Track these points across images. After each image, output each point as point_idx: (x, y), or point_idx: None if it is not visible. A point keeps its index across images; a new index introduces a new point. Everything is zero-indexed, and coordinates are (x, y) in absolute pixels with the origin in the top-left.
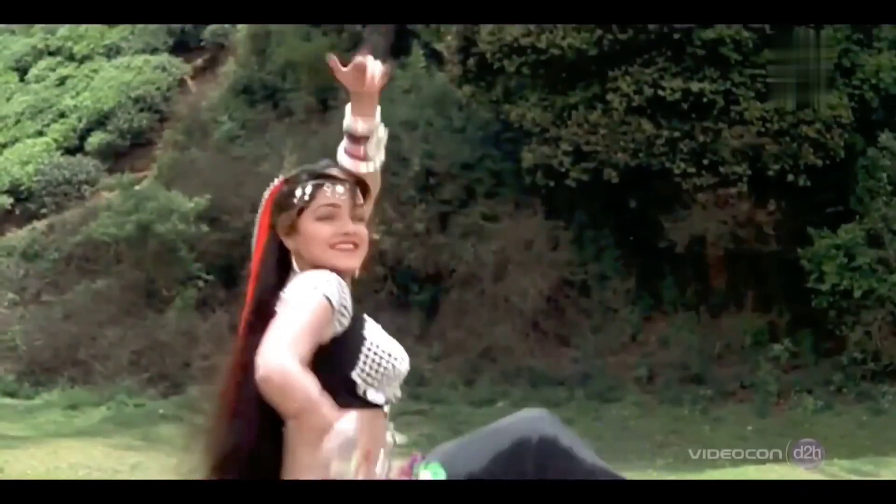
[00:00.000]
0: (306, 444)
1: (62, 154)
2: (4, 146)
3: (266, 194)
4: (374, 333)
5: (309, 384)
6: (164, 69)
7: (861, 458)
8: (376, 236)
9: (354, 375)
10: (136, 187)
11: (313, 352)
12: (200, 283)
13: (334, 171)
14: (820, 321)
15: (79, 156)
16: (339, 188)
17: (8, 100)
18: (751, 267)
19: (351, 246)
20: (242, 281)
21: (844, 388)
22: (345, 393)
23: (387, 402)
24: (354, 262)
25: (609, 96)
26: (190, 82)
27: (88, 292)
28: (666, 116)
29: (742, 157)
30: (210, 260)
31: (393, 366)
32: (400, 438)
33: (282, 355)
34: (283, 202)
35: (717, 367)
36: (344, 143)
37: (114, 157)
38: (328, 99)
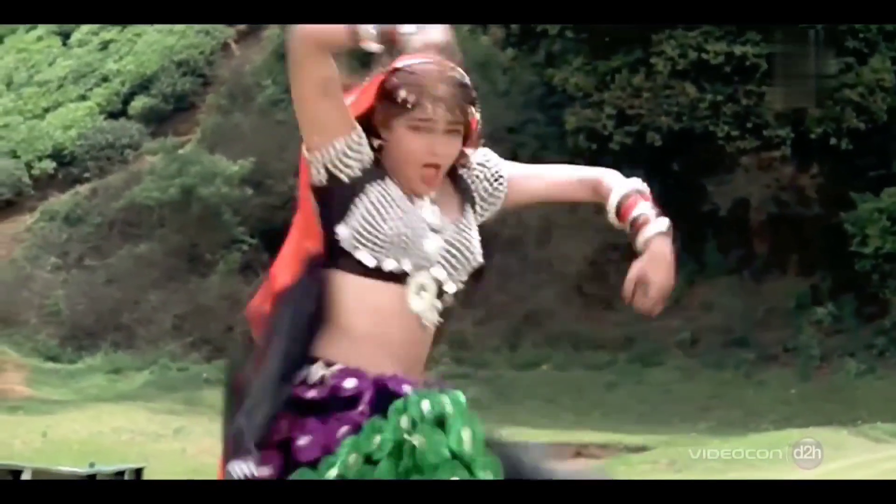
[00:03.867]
0: None
1: (105, 118)
2: (47, 110)
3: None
4: (383, 194)
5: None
6: (207, 33)
7: None
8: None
9: (339, 228)
10: (180, 151)
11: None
12: (244, 247)
13: (436, 68)
14: (863, 285)
15: (122, 120)
16: (440, 105)
17: (51, 64)
18: (794, 231)
19: (433, 171)
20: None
21: (887, 352)
22: (334, 249)
23: (405, 274)
24: (432, 188)
25: (652, 60)
26: (233, 46)
27: (131, 256)
28: (709, 80)
29: (785, 120)
30: (253, 223)
31: (391, 230)
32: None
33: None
34: (387, 93)
35: (759, 331)
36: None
37: (157, 121)
38: (371, 62)
